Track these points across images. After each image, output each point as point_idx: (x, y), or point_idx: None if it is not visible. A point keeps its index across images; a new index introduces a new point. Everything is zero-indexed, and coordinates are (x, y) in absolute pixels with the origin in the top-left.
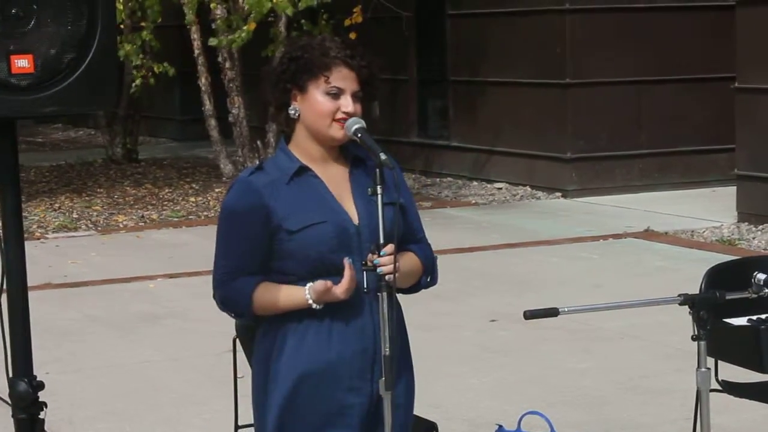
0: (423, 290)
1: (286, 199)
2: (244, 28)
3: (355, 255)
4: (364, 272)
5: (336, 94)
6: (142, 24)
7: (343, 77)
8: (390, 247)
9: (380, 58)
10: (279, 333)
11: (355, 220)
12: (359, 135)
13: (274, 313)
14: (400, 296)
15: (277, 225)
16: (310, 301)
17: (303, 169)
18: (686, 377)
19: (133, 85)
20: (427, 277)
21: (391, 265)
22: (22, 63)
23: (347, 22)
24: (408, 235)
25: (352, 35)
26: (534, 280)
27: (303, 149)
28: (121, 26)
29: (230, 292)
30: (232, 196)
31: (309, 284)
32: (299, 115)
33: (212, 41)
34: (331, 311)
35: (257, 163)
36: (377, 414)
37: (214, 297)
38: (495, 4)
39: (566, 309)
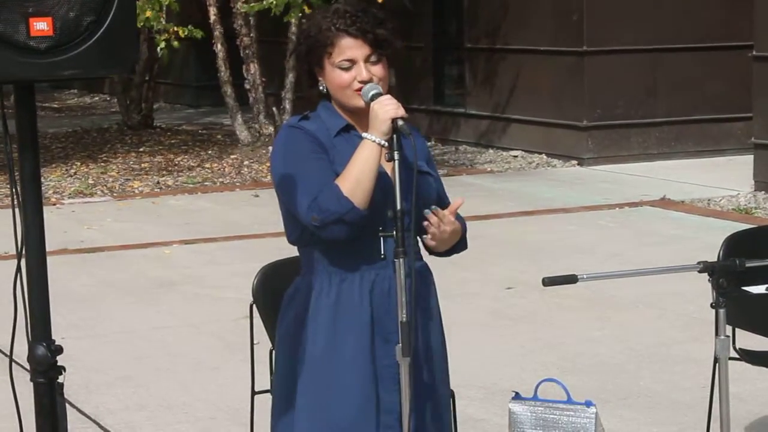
0: (441, 257)
1: (336, 148)
2: None
3: (390, 219)
4: (382, 239)
5: (348, 67)
6: None
7: (349, 47)
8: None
9: (395, 23)
10: (311, 295)
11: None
12: (374, 102)
13: (367, 186)
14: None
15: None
16: (376, 140)
17: (349, 127)
18: (702, 346)
19: (159, 49)
20: (463, 241)
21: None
22: (41, 26)
23: None
24: (441, 205)
25: None
26: (550, 248)
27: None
28: None
29: (325, 203)
30: (285, 137)
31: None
32: (327, 89)
33: (243, 7)
34: (361, 274)
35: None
36: (418, 375)
37: (320, 229)
38: None
39: (585, 276)
